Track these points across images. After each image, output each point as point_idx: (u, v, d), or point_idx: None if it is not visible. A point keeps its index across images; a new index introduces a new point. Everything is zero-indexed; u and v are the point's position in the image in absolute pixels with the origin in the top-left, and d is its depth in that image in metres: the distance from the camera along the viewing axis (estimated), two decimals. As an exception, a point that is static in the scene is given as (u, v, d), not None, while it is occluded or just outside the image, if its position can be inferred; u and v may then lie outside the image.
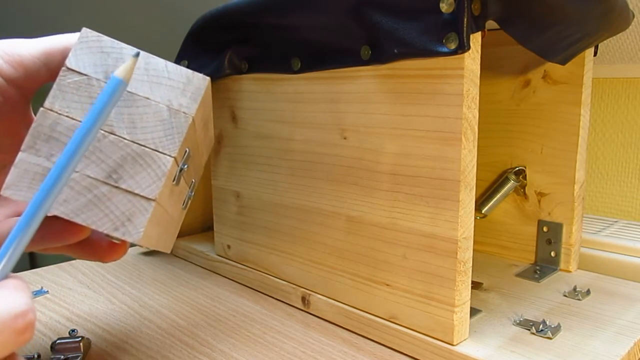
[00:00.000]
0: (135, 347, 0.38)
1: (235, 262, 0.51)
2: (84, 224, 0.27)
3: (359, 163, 0.37)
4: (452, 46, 0.30)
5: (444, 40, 0.30)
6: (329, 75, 0.38)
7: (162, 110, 0.28)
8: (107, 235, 0.28)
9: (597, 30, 0.40)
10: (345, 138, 0.38)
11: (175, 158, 0.28)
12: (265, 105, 0.44)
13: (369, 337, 0.39)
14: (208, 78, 0.29)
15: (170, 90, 0.28)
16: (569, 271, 0.47)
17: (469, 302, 0.34)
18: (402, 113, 0.34)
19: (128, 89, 0.27)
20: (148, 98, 0.28)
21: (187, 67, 0.49)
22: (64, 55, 0.29)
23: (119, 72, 0.25)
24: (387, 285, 0.37)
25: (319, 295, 0.42)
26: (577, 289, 0.43)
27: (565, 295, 0.42)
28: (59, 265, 0.55)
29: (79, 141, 0.24)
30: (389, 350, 0.37)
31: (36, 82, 0.29)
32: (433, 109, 0.32)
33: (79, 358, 0.36)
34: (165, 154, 0.27)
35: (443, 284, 0.33)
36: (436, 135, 0.32)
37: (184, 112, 0.28)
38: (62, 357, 0.36)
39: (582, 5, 0.35)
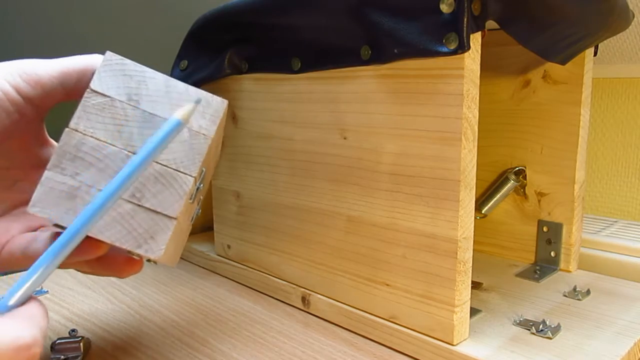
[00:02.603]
0: (135, 347, 0.38)
1: (235, 262, 0.51)
2: (108, 241, 0.27)
3: (359, 163, 0.37)
4: (452, 46, 0.30)
5: (444, 40, 0.30)
6: (329, 75, 0.38)
7: (183, 131, 0.29)
8: (128, 252, 0.29)
9: (597, 30, 0.40)
10: (345, 138, 0.38)
11: (195, 178, 0.29)
12: (265, 105, 0.44)
13: (369, 337, 0.39)
14: (226, 101, 0.30)
15: None
16: (569, 271, 0.47)
17: (469, 302, 0.34)
18: (402, 113, 0.34)
19: (150, 110, 0.28)
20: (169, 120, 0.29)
21: (187, 67, 0.49)
22: (80, 75, 0.29)
23: (180, 114, 0.26)
24: (387, 285, 0.37)
25: (319, 295, 0.42)
26: (577, 289, 0.43)
27: (565, 295, 0.42)
28: (59, 265, 0.55)
29: (129, 173, 0.25)
30: (389, 350, 0.37)
31: (52, 101, 0.30)
32: (433, 109, 0.32)
33: (79, 358, 0.36)
34: (186, 173, 0.28)
35: (443, 284, 0.33)
36: (436, 135, 0.32)
37: (203, 134, 0.29)
38: (62, 357, 0.36)
39: (582, 5, 0.35)
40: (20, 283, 0.24)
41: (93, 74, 0.30)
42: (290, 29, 0.40)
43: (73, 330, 0.40)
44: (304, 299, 0.43)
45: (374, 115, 0.36)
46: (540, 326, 0.36)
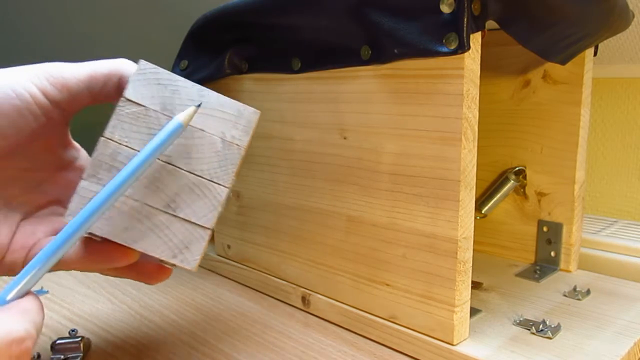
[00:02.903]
0: (136, 346, 0.38)
1: (235, 262, 0.51)
2: (143, 251, 0.28)
3: (359, 163, 0.37)
4: (452, 46, 0.30)
5: (444, 40, 0.30)
6: (329, 75, 0.38)
7: (217, 142, 0.29)
8: (161, 261, 0.29)
9: (597, 30, 0.40)
10: (345, 138, 0.38)
11: (229, 188, 0.29)
12: (265, 105, 0.44)
13: (368, 337, 0.39)
14: (258, 112, 0.30)
15: (223, 122, 0.29)
16: (569, 271, 0.47)
17: (469, 302, 0.34)
18: (402, 113, 0.34)
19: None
20: (203, 130, 0.29)
21: (187, 67, 0.49)
22: (106, 79, 0.30)
23: (181, 117, 0.27)
24: (387, 285, 0.37)
25: (319, 295, 0.42)
26: (577, 289, 0.43)
27: (565, 295, 0.42)
28: (59, 265, 0.55)
29: (129, 173, 0.26)
30: (389, 350, 0.37)
31: (78, 105, 0.30)
32: (433, 108, 0.32)
33: (79, 358, 0.36)
34: (220, 184, 0.29)
35: (443, 284, 0.33)
36: (436, 135, 0.32)
37: (236, 144, 0.29)
38: (62, 357, 0.36)
39: (582, 5, 0.35)
40: (18, 279, 0.24)
41: (119, 78, 0.30)
42: (290, 29, 0.40)
43: (73, 330, 0.40)
44: (304, 299, 0.43)
45: (374, 115, 0.36)
46: (540, 326, 0.36)
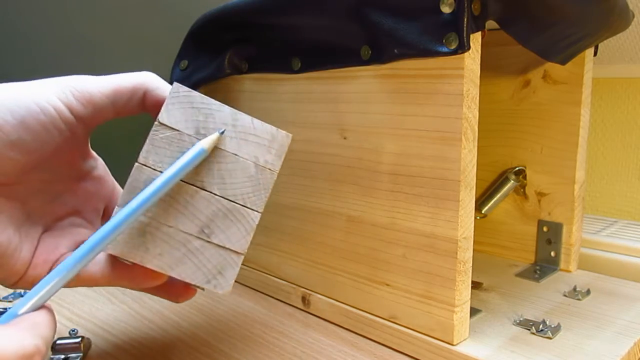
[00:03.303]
0: (136, 347, 0.38)
1: (235, 262, 0.51)
2: (178, 277, 0.28)
3: (359, 163, 0.37)
4: (452, 46, 0.30)
5: (444, 40, 0.30)
6: (329, 75, 0.38)
7: (250, 166, 0.29)
8: (194, 285, 0.29)
9: (597, 30, 0.40)
10: (345, 138, 0.38)
11: (261, 213, 0.29)
12: (265, 105, 0.44)
13: (369, 336, 0.39)
14: (290, 135, 0.30)
15: (257, 147, 0.29)
16: (569, 271, 0.47)
17: (469, 302, 0.34)
18: (402, 113, 0.34)
19: (218, 145, 0.28)
20: (236, 155, 0.29)
21: (187, 67, 0.49)
22: (131, 94, 0.29)
23: (205, 143, 0.27)
24: (387, 285, 0.37)
25: (319, 295, 0.42)
26: (577, 289, 0.43)
27: (565, 295, 0.42)
28: (59, 265, 0.55)
29: (149, 195, 0.26)
30: (389, 350, 0.37)
31: (101, 119, 0.30)
32: (433, 108, 0.32)
33: (79, 358, 0.36)
34: (253, 209, 0.29)
35: (443, 284, 0.33)
36: (436, 135, 0.32)
37: (269, 169, 0.29)
38: (63, 357, 0.36)
39: (582, 5, 0.35)
40: (31, 293, 0.24)
41: (144, 92, 0.29)
42: (290, 29, 0.40)
43: (73, 330, 0.40)
44: (304, 299, 0.43)
45: (374, 115, 0.36)
46: (540, 326, 0.36)
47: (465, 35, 0.30)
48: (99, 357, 0.36)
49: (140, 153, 0.27)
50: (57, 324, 0.41)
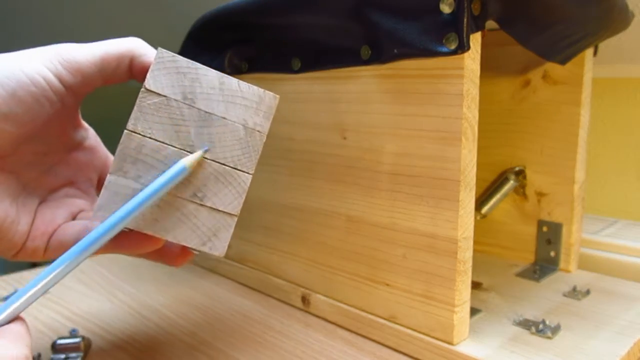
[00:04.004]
0: (135, 346, 0.38)
1: (235, 261, 0.51)
2: (174, 241, 0.28)
3: (359, 163, 0.37)
4: (452, 46, 0.30)
5: (444, 40, 0.30)
6: (329, 75, 0.38)
7: (239, 129, 0.29)
8: (189, 248, 0.29)
9: (597, 30, 0.40)
10: (345, 138, 0.38)
11: (252, 175, 0.29)
12: (265, 105, 0.44)
13: (369, 336, 0.39)
14: (278, 96, 0.30)
15: (245, 109, 0.29)
16: (569, 271, 0.47)
17: (469, 302, 0.34)
18: (402, 113, 0.34)
19: (205, 109, 0.28)
20: (225, 118, 0.29)
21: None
22: (119, 61, 0.29)
23: (187, 162, 0.27)
24: (387, 285, 0.37)
25: (319, 295, 0.42)
26: (577, 289, 0.43)
27: (565, 295, 0.42)
28: (59, 265, 0.55)
29: (129, 211, 0.26)
30: (389, 350, 0.37)
31: (90, 88, 0.30)
32: (433, 108, 0.32)
33: (80, 358, 0.36)
34: (244, 171, 0.29)
35: (443, 284, 0.33)
36: (436, 135, 0.32)
37: (258, 131, 0.30)
38: (63, 356, 0.36)
39: (582, 5, 0.35)
40: (7, 304, 0.24)
41: (131, 59, 0.29)
42: (290, 29, 0.40)
43: (73, 330, 0.40)
44: (304, 299, 0.43)
45: (374, 115, 0.36)
46: (540, 326, 0.36)
47: (465, 35, 0.30)
48: (99, 357, 0.37)
49: (129, 120, 0.27)
50: (57, 324, 0.41)
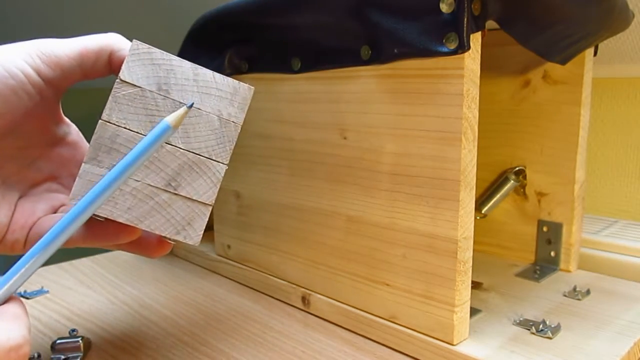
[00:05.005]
0: (135, 346, 0.38)
1: (235, 262, 0.51)
2: (148, 229, 0.28)
3: (359, 163, 0.37)
4: (452, 46, 0.30)
5: (444, 40, 0.30)
6: (329, 75, 0.38)
7: (214, 120, 0.29)
8: (165, 237, 0.29)
9: (597, 30, 0.40)
10: (345, 138, 0.38)
11: (227, 165, 0.30)
12: (265, 105, 0.44)
13: (369, 336, 0.39)
14: (253, 88, 0.31)
15: (220, 100, 0.30)
16: (569, 271, 0.47)
17: (469, 302, 0.34)
18: (402, 113, 0.34)
19: (180, 99, 0.29)
20: (199, 109, 0.29)
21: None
22: (97, 56, 0.30)
23: (170, 119, 0.27)
24: (387, 285, 0.37)
25: (319, 295, 0.42)
26: (577, 289, 0.43)
27: (565, 295, 0.42)
28: (59, 265, 0.55)
29: (114, 177, 0.26)
30: (389, 350, 0.37)
31: (69, 82, 0.30)
32: (433, 108, 0.32)
33: (79, 358, 0.36)
34: (218, 161, 0.29)
35: (443, 284, 0.33)
36: (436, 135, 0.32)
37: (233, 122, 0.30)
38: (63, 357, 0.36)
39: (582, 5, 0.35)
40: (3, 281, 0.24)
41: (110, 54, 0.30)
42: (291, 29, 0.40)
43: (73, 330, 0.40)
44: (304, 299, 0.43)
45: (374, 115, 0.36)
46: (540, 326, 0.36)
47: (465, 35, 0.30)
48: (99, 357, 0.37)
49: (104, 110, 0.28)
50: (57, 324, 0.41)
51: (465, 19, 0.29)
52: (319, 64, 0.39)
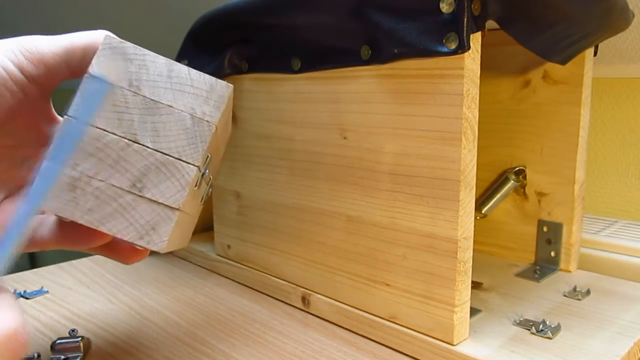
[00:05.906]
0: (135, 347, 0.38)
1: (235, 262, 0.51)
2: (109, 232, 0.27)
3: (359, 163, 0.37)
4: (452, 46, 0.30)
5: (444, 40, 0.30)
6: (329, 75, 0.38)
7: (186, 118, 0.28)
8: (130, 242, 0.28)
9: (597, 30, 0.40)
10: (345, 138, 0.38)
11: (198, 167, 0.28)
12: (265, 105, 0.44)
13: (368, 337, 0.39)
14: (231, 86, 0.29)
15: (194, 98, 0.28)
16: (569, 271, 0.47)
17: (469, 302, 0.34)
18: (402, 113, 0.34)
19: (152, 97, 0.27)
20: (171, 106, 0.28)
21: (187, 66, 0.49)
22: (84, 53, 0.29)
23: (96, 68, 0.25)
24: (387, 285, 0.37)
25: (319, 295, 0.42)
26: (577, 289, 0.43)
27: (565, 295, 0.42)
28: (59, 265, 0.55)
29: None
30: (389, 350, 0.37)
31: (56, 79, 0.29)
32: (433, 108, 0.32)
33: (79, 358, 0.36)
34: (188, 162, 0.28)
35: (443, 284, 0.33)
36: (436, 135, 0.32)
37: (207, 121, 0.28)
38: (62, 357, 0.36)
39: (582, 5, 0.35)
40: None
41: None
42: (290, 29, 0.40)
43: (73, 330, 0.40)
44: (304, 299, 0.43)
45: (374, 115, 0.36)
46: (540, 326, 0.36)
47: (465, 35, 0.30)
48: (99, 357, 0.36)
49: (70, 105, 0.26)
50: (57, 324, 0.41)
51: (465, 19, 0.29)
52: (319, 64, 0.39)
